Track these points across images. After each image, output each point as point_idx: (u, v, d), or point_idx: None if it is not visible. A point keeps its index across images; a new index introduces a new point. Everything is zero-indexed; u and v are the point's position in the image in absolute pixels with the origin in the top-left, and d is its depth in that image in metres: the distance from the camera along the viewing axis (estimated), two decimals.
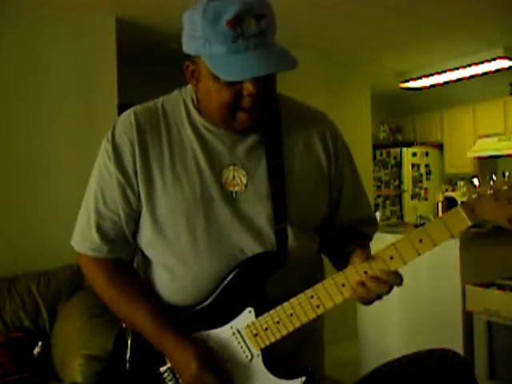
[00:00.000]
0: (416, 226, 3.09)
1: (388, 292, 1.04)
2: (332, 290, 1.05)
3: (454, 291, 2.76)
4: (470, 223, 0.99)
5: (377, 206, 6.20)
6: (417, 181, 6.22)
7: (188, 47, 1.07)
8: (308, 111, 1.26)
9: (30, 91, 3.14)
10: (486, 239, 2.88)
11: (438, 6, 3.45)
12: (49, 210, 3.15)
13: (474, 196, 0.99)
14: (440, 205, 2.99)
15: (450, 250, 2.74)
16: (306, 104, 1.29)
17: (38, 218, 3.11)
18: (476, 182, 1.00)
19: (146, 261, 1.19)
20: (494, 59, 4.53)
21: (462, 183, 6.01)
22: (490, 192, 0.97)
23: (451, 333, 2.77)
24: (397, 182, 6.22)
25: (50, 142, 3.18)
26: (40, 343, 2.48)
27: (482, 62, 4.62)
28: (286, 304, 1.06)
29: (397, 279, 1.03)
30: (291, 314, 1.06)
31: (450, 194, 6.13)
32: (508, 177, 0.97)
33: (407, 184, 6.14)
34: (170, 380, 1.10)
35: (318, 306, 1.05)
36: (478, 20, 3.77)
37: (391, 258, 1.03)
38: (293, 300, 1.06)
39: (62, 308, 2.73)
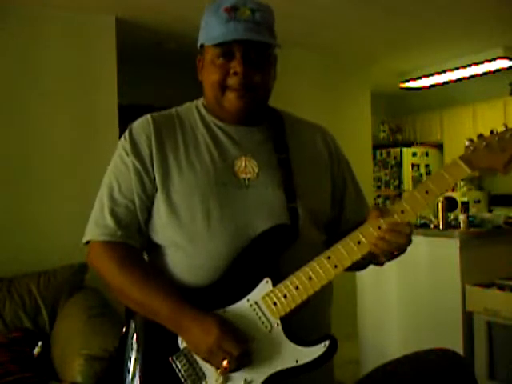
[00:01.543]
0: (416, 226, 3.09)
1: (407, 244, 1.08)
2: (349, 248, 1.07)
3: (454, 291, 2.76)
4: (469, 171, 1.08)
5: (377, 205, 6.18)
6: (417, 181, 6.21)
7: (199, 40, 1.20)
8: (309, 122, 1.35)
9: (30, 91, 3.15)
10: (485, 239, 2.89)
11: (438, 6, 3.45)
12: (49, 210, 3.15)
13: (471, 149, 1.09)
14: (440, 205, 2.99)
15: (450, 250, 2.74)
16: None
17: (37, 218, 3.12)
18: (467, 142, 1.11)
19: (155, 251, 1.20)
20: (494, 59, 4.53)
21: (462, 183, 6.01)
22: (484, 144, 1.08)
23: (451, 333, 2.77)
24: (397, 182, 6.22)
25: (49, 142, 3.18)
26: (40, 343, 2.48)
27: (482, 62, 4.62)
28: (303, 268, 1.07)
29: (409, 229, 1.07)
30: (310, 278, 1.07)
31: (449, 193, 6.13)
32: (497, 132, 1.09)
33: (407, 184, 6.14)
34: (184, 365, 1.09)
35: (336, 266, 1.07)
36: (478, 20, 3.77)
37: (402, 211, 1.07)
38: (310, 263, 1.08)
39: (62, 308, 2.73)
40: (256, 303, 1.08)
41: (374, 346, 3.27)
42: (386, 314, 3.19)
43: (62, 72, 3.24)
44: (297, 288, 1.07)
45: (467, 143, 1.10)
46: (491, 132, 1.09)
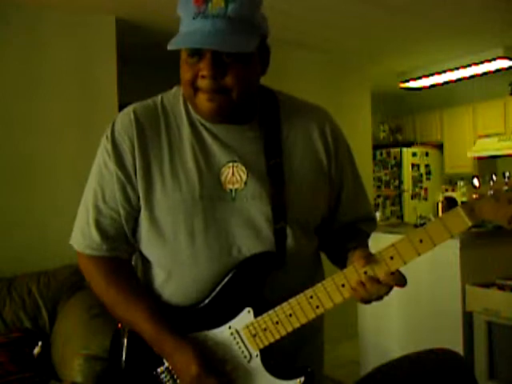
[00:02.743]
0: (416, 225, 3.09)
1: (387, 292, 1.03)
2: (332, 291, 1.04)
3: (454, 291, 2.76)
4: (469, 223, 0.98)
5: (377, 205, 6.20)
6: (417, 181, 6.22)
7: None
8: (308, 107, 1.24)
9: (30, 91, 3.14)
10: (486, 239, 2.88)
11: (438, 6, 3.45)
12: (49, 210, 3.14)
13: (475, 196, 0.99)
14: (440, 205, 2.99)
15: (450, 250, 2.74)
16: (305, 100, 1.26)
17: (38, 218, 3.11)
18: (476, 182, 1.00)
19: (144, 260, 1.18)
20: (494, 59, 4.53)
21: (461, 183, 6.02)
22: (490, 192, 0.97)
23: (451, 333, 2.77)
24: (397, 182, 6.22)
25: (50, 142, 3.18)
26: (40, 343, 2.48)
27: (482, 62, 4.62)
28: (285, 304, 1.05)
29: (400, 280, 1.02)
30: (290, 315, 1.05)
31: (449, 193, 6.14)
32: (508, 177, 0.97)
33: (407, 184, 6.14)
34: (168, 381, 1.09)
35: (317, 307, 1.05)
36: (478, 20, 3.77)
37: (391, 258, 1.01)
38: (292, 300, 1.05)
39: (62, 308, 2.73)
40: (237, 332, 1.07)
41: (374, 346, 3.27)
42: (386, 314, 3.19)
43: (62, 72, 3.23)
44: (277, 323, 1.05)
45: (476, 183, 1.00)
46: (503, 175, 0.98)
